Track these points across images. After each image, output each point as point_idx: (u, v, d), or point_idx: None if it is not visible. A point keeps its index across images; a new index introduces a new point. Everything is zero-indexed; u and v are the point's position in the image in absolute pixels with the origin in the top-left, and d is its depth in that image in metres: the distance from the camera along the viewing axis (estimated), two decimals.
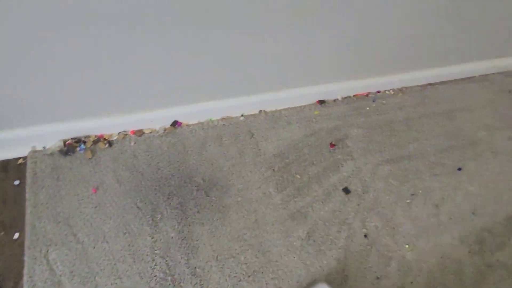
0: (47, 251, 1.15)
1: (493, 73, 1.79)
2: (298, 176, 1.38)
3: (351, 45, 1.38)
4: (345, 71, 1.52)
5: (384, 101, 1.62)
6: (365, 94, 1.63)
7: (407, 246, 1.29)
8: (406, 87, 1.67)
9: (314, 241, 1.26)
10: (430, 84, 1.70)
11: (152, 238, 1.21)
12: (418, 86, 1.69)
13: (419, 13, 1.35)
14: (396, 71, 1.61)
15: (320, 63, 1.43)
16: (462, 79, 1.75)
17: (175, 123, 1.43)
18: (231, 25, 1.16)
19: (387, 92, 1.65)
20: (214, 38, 1.18)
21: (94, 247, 1.18)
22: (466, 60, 1.70)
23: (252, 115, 1.51)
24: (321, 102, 1.57)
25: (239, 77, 1.36)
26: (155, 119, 1.40)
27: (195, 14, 1.07)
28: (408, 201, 1.37)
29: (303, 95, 1.52)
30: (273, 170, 1.38)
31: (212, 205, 1.29)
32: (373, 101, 1.61)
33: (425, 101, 1.64)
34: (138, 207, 1.25)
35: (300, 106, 1.55)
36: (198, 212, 1.27)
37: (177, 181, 1.32)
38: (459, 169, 1.46)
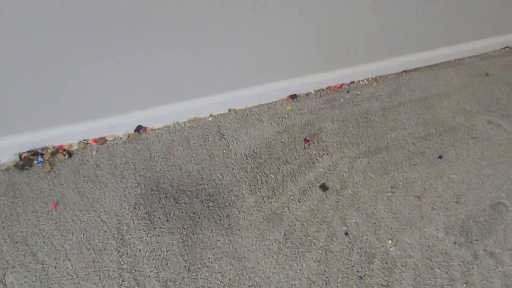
0: (4, 274, 1.07)
1: (469, 57, 1.74)
2: (272, 176, 1.31)
3: (320, 35, 1.32)
4: (316, 63, 1.46)
5: (358, 92, 1.55)
6: (338, 86, 1.56)
7: (390, 241, 1.22)
8: (380, 76, 1.61)
9: (292, 243, 1.19)
10: (405, 71, 1.65)
11: (118, 253, 1.13)
12: (392, 74, 1.63)
13: None
14: (370, 60, 1.55)
15: (290, 56, 1.36)
16: (437, 65, 1.69)
17: (139, 128, 1.35)
18: (192, 21, 1.09)
19: (361, 82, 1.59)
20: (174, 36, 1.11)
21: (55, 267, 1.09)
22: (440, 44, 1.65)
23: (221, 114, 1.43)
24: (293, 96, 1.50)
25: (205, 75, 1.29)
26: (117, 125, 1.31)
27: (153, 12, 1.00)
28: (388, 194, 1.31)
29: (273, 90, 1.45)
30: (246, 171, 1.31)
31: (182, 213, 1.21)
32: (347, 92, 1.55)
33: (400, 89, 1.58)
34: (102, 220, 1.17)
35: (271, 102, 1.48)
36: (167, 220, 1.19)
37: (144, 189, 1.24)
38: (440, 157, 1.41)
